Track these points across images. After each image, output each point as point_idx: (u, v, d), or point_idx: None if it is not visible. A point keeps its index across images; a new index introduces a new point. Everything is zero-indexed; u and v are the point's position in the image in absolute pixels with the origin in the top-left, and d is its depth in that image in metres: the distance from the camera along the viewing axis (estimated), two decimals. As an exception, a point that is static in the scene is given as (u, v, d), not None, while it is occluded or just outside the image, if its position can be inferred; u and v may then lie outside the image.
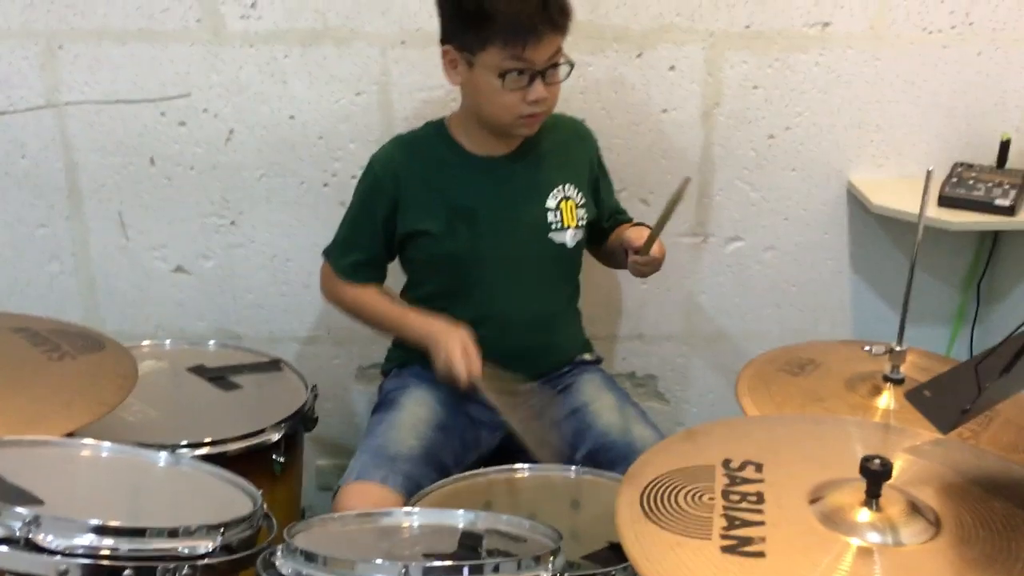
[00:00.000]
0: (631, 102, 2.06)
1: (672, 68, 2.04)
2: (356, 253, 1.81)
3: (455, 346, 1.67)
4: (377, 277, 1.84)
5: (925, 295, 2.22)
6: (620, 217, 1.97)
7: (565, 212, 1.79)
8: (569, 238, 1.80)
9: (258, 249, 2.12)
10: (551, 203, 1.79)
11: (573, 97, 2.04)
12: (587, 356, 1.93)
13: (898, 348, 1.46)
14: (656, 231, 1.69)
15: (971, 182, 1.99)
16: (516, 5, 1.57)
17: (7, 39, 1.94)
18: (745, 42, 2.02)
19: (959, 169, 2.04)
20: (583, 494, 1.60)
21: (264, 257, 2.13)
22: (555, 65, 1.66)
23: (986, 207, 1.95)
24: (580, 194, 1.82)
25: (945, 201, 1.97)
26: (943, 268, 2.21)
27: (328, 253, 1.86)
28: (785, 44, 2.02)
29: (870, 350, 1.49)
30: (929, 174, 1.35)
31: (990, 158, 2.07)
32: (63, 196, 2.06)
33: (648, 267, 1.76)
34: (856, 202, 2.12)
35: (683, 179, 1.62)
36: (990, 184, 1.97)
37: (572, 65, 1.69)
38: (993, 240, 2.17)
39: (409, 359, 1.87)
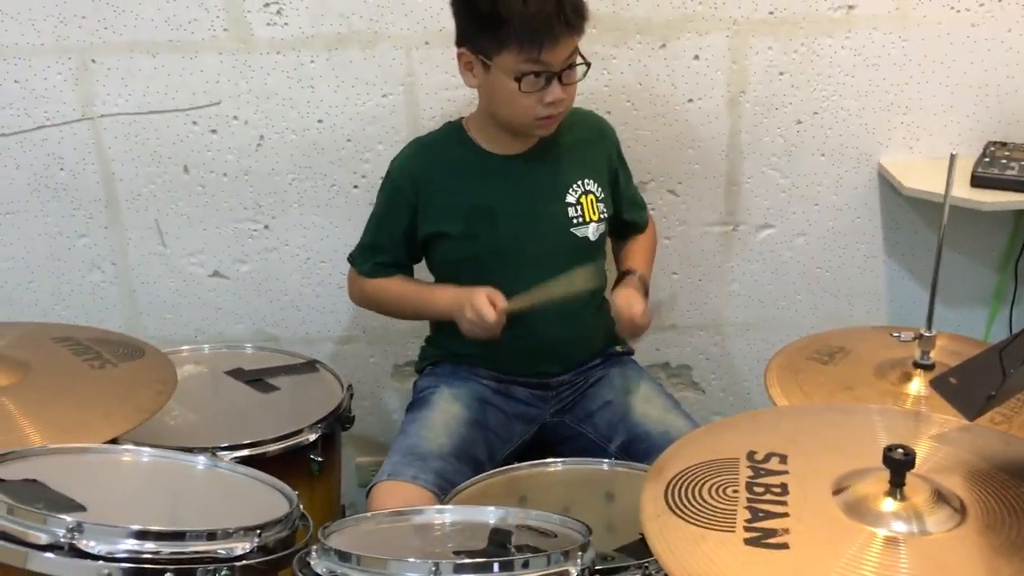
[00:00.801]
0: (656, 93, 2.06)
1: (696, 57, 2.03)
2: (378, 256, 1.84)
3: (479, 295, 1.67)
4: (400, 273, 1.86)
5: (961, 277, 2.20)
6: (639, 215, 1.96)
7: (586, 207, 1.80)
8: (592, 232, 1.80)
9: (292, 252, 2.16)
10: (571, 198, 1.79)
11: (598, 91, 2.04)
12: (618, 348, 1.94)
13: (927, 333, 1.45)
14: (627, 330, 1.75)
15: (1004, 161, 1.96)
16: (531, 8, 1.57)
17: (42, 55, 1.99)
18: (769, 28, 2.01)
19: (991, 148, 2.01)
20: (617, 486, 1.61)
21: (298, 260, 2.17)
22: (571, 66, 1.66)
23: (1020, 186, 1.92)
24: (600, 188, 1.82)
25: (978, 181, 1.94)
26: (979, 249, 2.18)
27: (352, 258, 1.89)
28: (810, 29, 2.01)
29: (899, 336, 1.48)
30: (953, 158, 1.34)
31: (1023, 136, 2.04)
32: (101, 206, 2.11)
33: (628, 331, 1.80)
34: (887, 185, 2.10)
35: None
36: (1023, 163, 1.94)
37: (588, 65, 1.69)
38: (1029, 219, 2.14)
39: (442, 357, 1.89)
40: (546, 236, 1.78)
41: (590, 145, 1.86)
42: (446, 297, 1.77)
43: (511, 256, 1.77)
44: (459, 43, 1.69)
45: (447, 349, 1.88)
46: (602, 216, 1.82)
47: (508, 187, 1.78)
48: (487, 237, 1.77)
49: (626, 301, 1.76)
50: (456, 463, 1.64)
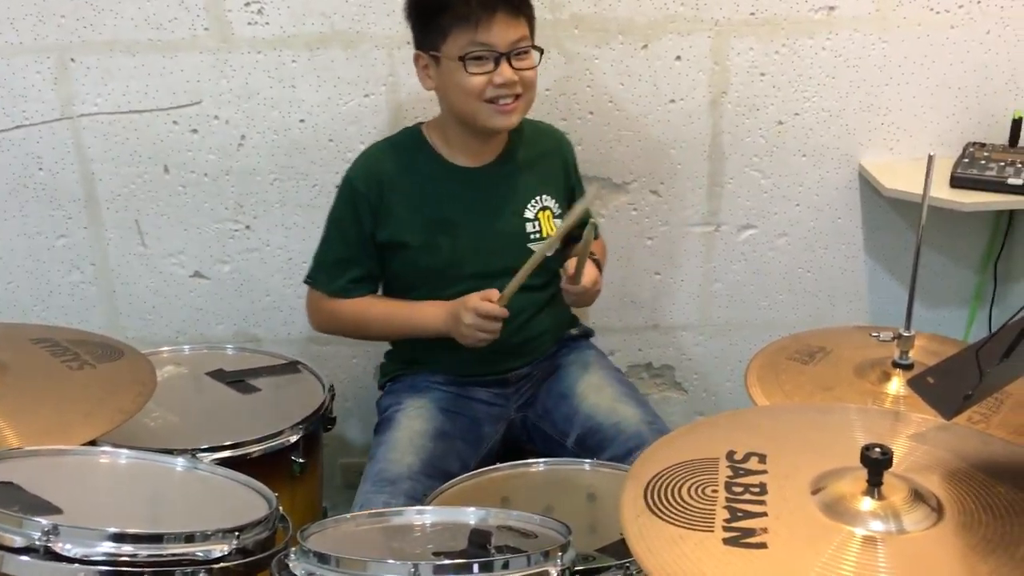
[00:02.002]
0: (638, 93, 2.06)
1: (678, 58, 2.04)
2: (353, 270, 1.79)
3: (473, 299, 1.66)
4: (372, 291, 1.83)
5: (941, 278, 2.21)
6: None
7: (543, 222, 1.80)
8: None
9: (273, 252, 2.15)
10: (529, 214, 1.80)
11: (580, 91, 2.05)
12: (574, 331, 1.93)
13: (906, 333, 1.46)
14: (580, 263, 1.70)
15: (983, 162, 1.97)
16: None
17: (20, 54, 1.98)
18: (751, 29, 2.01)
19: (971, 149, 2.02)
20: (599, 487, 1.61)
21: (280, 260, 2.16)
22: (523, 52, 1.66)
23: (999, 186, 1.93)
24: (557, 204, 1.83)
25: (957, 182, 1.96)
26: (958, 250, 2.20)
27: (313, 278, 1.82)
28: (791, 30, 2.01)
29: (878, 336, 1.49)
30: (931, 158, 1.35)
31: (1002, 137, 2.05)
32: (80, 206, 2.10)
33: (579, 298, 1.77)
34: (868, 186, 2.11)
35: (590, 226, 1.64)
36: (1002, 163, 1.95)
37: (541, 51, 1.70)
38: (1009, 219, 2.15)
39: (399, 371, 1.88)
40: (504, 250, 1.77)
41: (548, 159, 1.86)
42: (436, 311, 1.74)
43: (468, 270, 1.76)
44: (415, 47, 1.72)
45: (405, 359, 1.87)
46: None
47: (469, 200, 1.77)
48: (447, 250, 1.76)
49: (572, 263, 1.75)
50: (427, 480, 1.62)
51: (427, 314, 1.76)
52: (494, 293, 1.68)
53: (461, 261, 1.76)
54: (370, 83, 2.03)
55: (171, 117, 2.04)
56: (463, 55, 1.63)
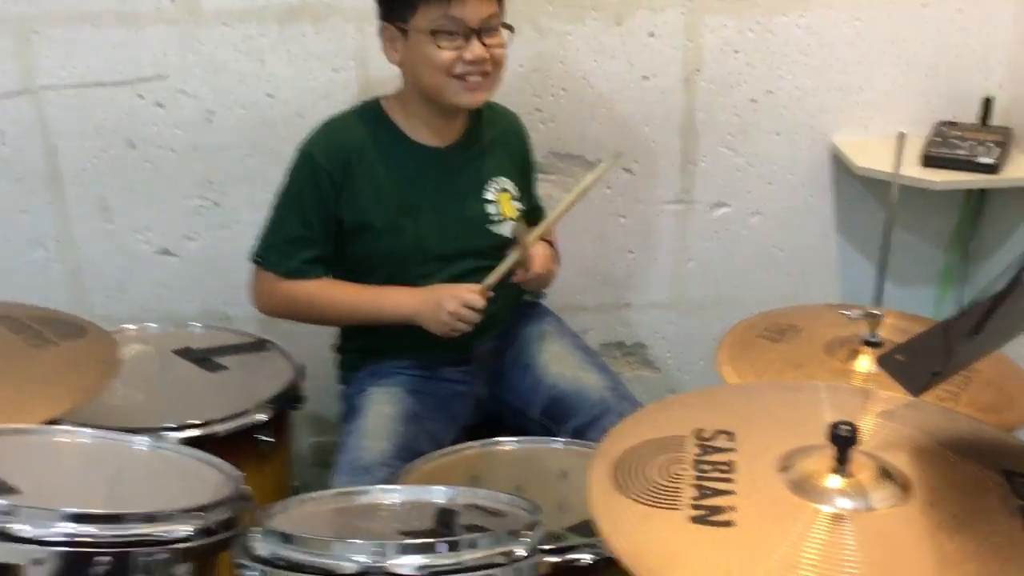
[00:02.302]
0: (611, 71, 2.05)
1: (652, 35, 2.02)
2: (308, 249, 1.72)
3: (455, 289, 1.66)
4: (327, 273, 1.76)
5: (911, 256, 2.22)
6: (535, 216, 1.92)
7: (503, 204, 1.79)
8: (508, 230, 1.78)
9: (243, 230, 2.11)
10: (489, 195, 1.78)
11: (553, 67, 2.03)
12: (526, 296, 1.92)
13: (875, 312, 1.46)
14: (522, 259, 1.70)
15: (954, 141, 1.97)
16: None
17: (-20, 26, 1.93)
18: (724, 6, 2.00)
19: (942, 128, 2.02)
20: (571, 465, 1.61)
21: (249, 237, 2.09)
22: (493, 29, 1.64)
23: (970, 165, 1.94)
24: (515, 187, 1.82)
25: (929, 161, 1.96)
26: (929, 228, 2.21)
27: (263, 257, 1.75)
28: (765, 7, 2.00)
29: (848, 314, 1.49)
30: (902, 136, 1.34)
31: (973, 116, 2.06)
32: (44, 182, 2.05)
33: (536, 284, 1.77)
34: (841, 164, 2.11)
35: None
36: (973, 142, 1.96)
37: (512, 29, 1.68)
38: (979, 199, 2.16)
39: (360, 360, 1.85)
40: (466, 233, 1.76)
41: (507, 142, 1.85)
42: (406, 297, 1.71)
43: (430, 253, 1.74)
44: (380, 19, 1.68)
45: (364, 348, 1.84)
46: (518, 213, 1.81)
47: (434, 182, 1.74)
48: (411, 233, 1.72)
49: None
50: (402, 464, 1.60)
51: (396, 300, 1.72)
52: (471, 285, 1.68)
53: (424, 244, 1.74)
54: (340, 57, 2.00)
55: (136, 91, 2.00)
56: (434, 29, 1.60)
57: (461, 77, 1.64)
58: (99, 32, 1.95)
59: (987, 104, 2.03)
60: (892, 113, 2.09)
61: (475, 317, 1.67)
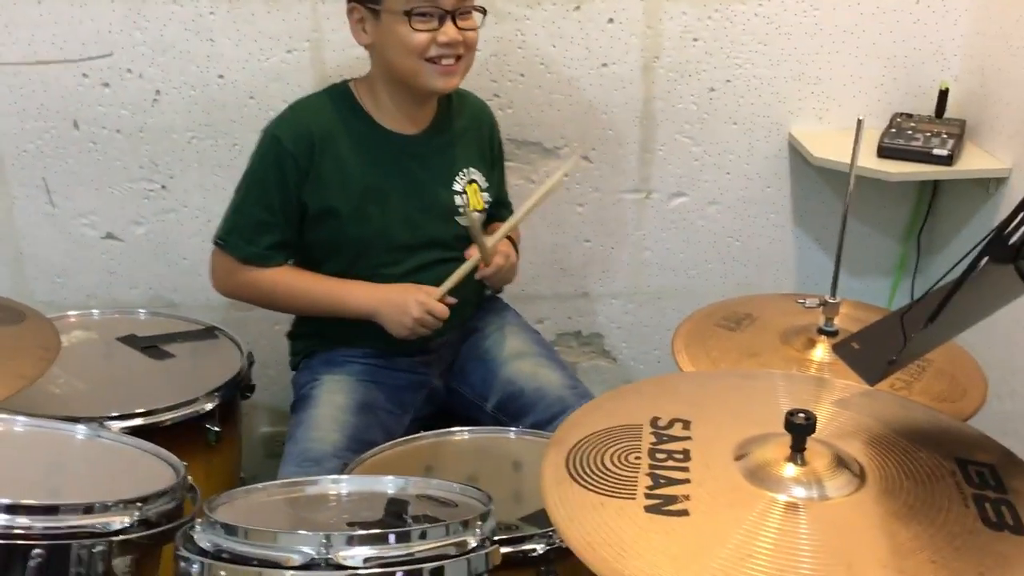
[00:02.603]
0: (570, 56, 2.02)
1: (611, 21, 2.00)
2: (269, 234, 1.68)
3: (419, 294, 1.65)
4: (289, 259, 1.74)
5: (866, 247, 2.23)
6: (503, 212, 1.91)
7: (471, 195, 1.77)
8: (467, 224, 1.75)
9: (191, 214, 2.07)
10: (457, 186, 1.76)
11: (511, 52, 2.00)
12: (487, 291, 1.89)
13: (831, 300, 1.45)
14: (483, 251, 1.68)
15: (910, 132, 1.98)
16: None
17: (-84, -1, 1.86)
18: (684, -8, 1.99)
19: (898, 119, 2.03)
20: (525, 455, 1.59)
21: (198, 222, 2.08)
22: (467, 11, 1.62)
23: (925, 157, 1.94)
24: (483, 177, 1.79)
25: (884, 152, 1.96)
26: (884, 219, 2.22)
27: (225, 241, 1.70)
28: (724, -6, 1.99)
29: (804, 303, 1.48)
30: (860, 123, 1.34)
31: (929, 108, 2.06)
32: (-17, 163, 1.99)
33: (498, 278, 1.75)
34: (797, 155, 2.11)
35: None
36: (928, 134, 1.96)
37: (484, 12, 1.65)
38: (933, 190, 2.17)
39: (313, 347, 1.82)
40: (432, 223, 1.73)
41: (476, 131, 1.82)
42: (364, 297, 1.68)
43: (395, 241, 1.71)
44: (348, 0, 1.63)
45: (317, 335, 1.80)
46: (485, 205, 1.79)
47: (401, 170, 1.71)
48: (376, 220, 1.69)
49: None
50: (354, 456, 1.56)
51: (357, 297, 1.69)
52: (434, 290, 1.66)
53: (389, 232, 1.70)
54: (293, 38, 1.95)
55: (81, 69, 1.94)
56: (408, 10, 1.56)
57: (434, 60, 1.61)
58: (42, 8, 1.88)
59: (943, 96, 2.03)
60: (849, 104, 2.09)
61: (437, 324, 1.66)
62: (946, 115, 2.04)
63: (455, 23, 1.59)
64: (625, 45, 2.02)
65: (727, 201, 2.17)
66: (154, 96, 1.96)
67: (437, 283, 1.70)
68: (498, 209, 1.90)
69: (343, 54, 1.96)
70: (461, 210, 1.74)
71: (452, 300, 1.68)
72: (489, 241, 1.69)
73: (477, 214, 1.71)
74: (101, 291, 2.11)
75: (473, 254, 1.70)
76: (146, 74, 1.95)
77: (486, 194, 1.79)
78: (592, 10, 1.99)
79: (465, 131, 1.79)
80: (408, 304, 1.64)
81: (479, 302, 1.88)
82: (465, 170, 1.77)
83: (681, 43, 2.03)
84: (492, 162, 1.85)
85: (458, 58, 1.63)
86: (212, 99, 1.98)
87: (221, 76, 1.96)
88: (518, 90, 2.03)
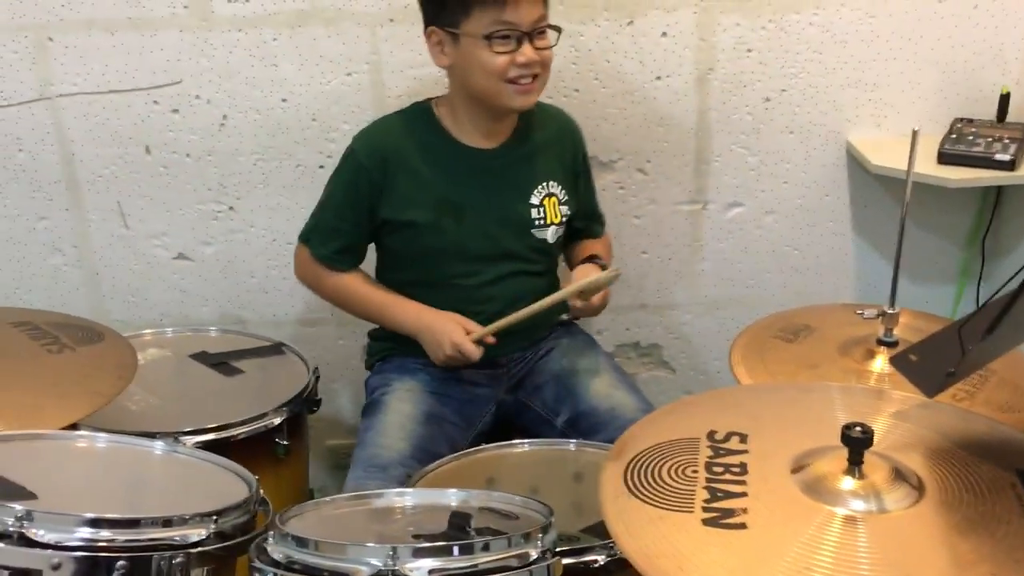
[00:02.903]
0: (624, 70, 2.04)
1: (664, 34, 2.01)
2: (339, 240, 1.78)
3: (456, 330, 1.68)
4: (357, 263, 1.83)
5: (929, 254, 2.20)
6: (593, 226, 1.95)
7: (548, 209, 1.79)
8: (550, 235, 1.80)
9: (258, 233, 2.13)
10: (535, 200, 1.78)
11: (566, 68, 2.02)
12: (565, 316, 1.92)
13: (890, 311, 1.45)
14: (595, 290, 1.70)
15: (971, 138, 1.96)
16: None
17: (-3, 34, 1.95)
18: (736, 4, 1.99)
19: (958, 125, 2.01)
20: (585, 467, 1.61)
21: (264, 241, 2.14)
22: (542, 30, 1.65)
23: (986, 162, 1.92)
24: (563, 190, 1.82)
25: (944, 158, 1.94)
26: (946, 226, 2.19)
27: (306, 239, 1.82)
28: (777, 5, 1.99)
29: (863, 314, 1.48)
30: (915, 133, 1.33)
31: (990, 112, 2.04)
32: (61, 188, 2.07)
33: (584, 311, 1.76)
34: (855, 163, 2.10)
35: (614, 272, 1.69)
36: (990, 139, 1.94)
37: (559, 31, 1.68)
38: (996, 195, 2.14)
39: (389, 350, 1.87)
40: (508, 236, 1.77)
41: (558, 145, 1.84)
42: (410, 318, 1.75)
43: (470, 253, 1.76)
44: (427, 23, 1.68)
45: (394, 340, 1.85)
46: (563, 219, 1.81)
47: (478, 183, 1.75)
48: (452, 232, 1.74)
49: (584, 272, 1.77)
50: (418, 465, 1.61)
51: (403, 315, 1.77)
52: (471, 324, 1.70)
53: (465, 243, 1.75)
54: (352, 61, 2.00)
55: (151, 97, 2.01)
56: (488, 34, 1.60)
57: (514, 80, 1.64)
58: (114, 39, 1.96)
59: (1004, 100, 2.01)
60: (907, 111, 2.08)
61: (466, 363, 1.70)
62: (1008, 119, 2.01)
63: (532, 43, 1.63)
64: (679, 58, 2.03)
65: (784, 210, 2.17)
66: (221, 121, 2.03)
67: (513, 297, 1.75)
68: (590, 222, 1.94)
69: (401, 75, 2.01)
70: (537, 223, 1.78)
71: (493, 340, 1.71)
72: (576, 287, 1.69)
73: (612, 273, 1.70)
74: (173, 309, 2.18)
75: (546, 302, 1.70)
76: (213, 100, 2.01)
77: (565, 207, 1.81)
78: (645, 24, 2.00)
79: (545, 145, 1.82)
80: (443, 338, 1.70)
81: (553, 322, 1.91)
82: (544, 184, 1.79)
83: (735, 54, 2.03)
84: (576, 176, 1.87)
85: (535, 76, 1.66)
86: (276, 122, 2.04)
87: (284, 100, 2.02)
88: (573, 105, 2.05)
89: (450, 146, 1.75)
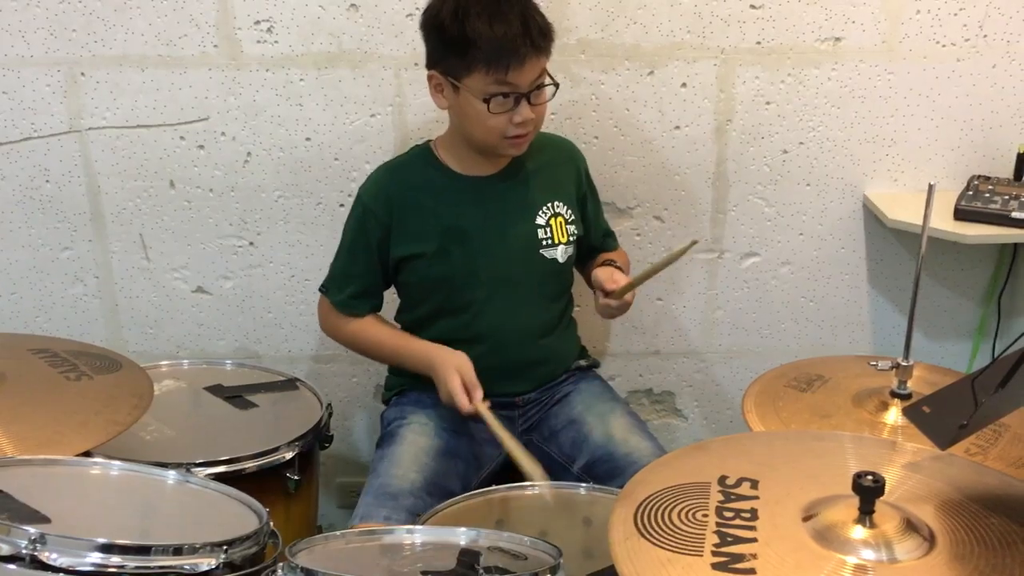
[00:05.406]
0: (643, 119, 2.07)
1: (684, 85, 2.04)
2: (353, 284, 1.82)
3: (454, 378, 1.68)
4: (374, 306, 1.85)
5: (945, 310, 2.20)
6: (608, 241, 1.98)
7: (555, 229, 1.81)
8: (560, 254, 1.82)
9: (276, 269, 2.16)
10: (541, 220, 1.81)
11: (586, 115, 2.05)
12: (583, 362, 1.94)
13: (904, 363, 1.45)
14: (638, 281, 1.74)
15: (987, 195, 1.97)
16: (498, 30, 1.58)
17: (31, 66, 2.00)
18: (756, 58, 2.02)
19: (975, 182, 2.02)
20: (595, 511, 1.60)
21: (282, 277, 2.16)
22: (540, 86, 1.67)
23: (1003, 220, 1.93)
24: (569, 211, 1.84)
25: (961, 214, 1.95)
26: (963, 282, 2.19)
27: (325, 288, 1.86)
28: (797, 59, 2.02)
29: (876, 365, 1.48)
30: (931, 188, 1.35)
31: (1007, 171, 2.05)
32: (86, 219, 2.11)
33: (617, 310, 1.78)
34: (872, 216, 2.11)
35: (690, 241, 1.68)
36: (1007, 196, 1.95)
37: (557, 85, 1.71)
38: (1013, 253, 2.14)
39: (407, 385, 1.88)
40: (516, 257, 1.79)
41: (558, 167, 1.87)
42: (419, 356, 1.77)
43: (480, 276, 1.78)
44: (429, 66, 1.71)
45: (411, 376, 1.86)
46: (571, 238, 1.83)
47: (479, 208, 1.78)
48: (459, 258, 1.77)
49: (609, 275, 1.77)
50: (428, 498, 1.62)
51: (412, 355, 1.79)
52: (473, 384, 1.68)
53: (474, 268, 1.77)
54: (377, 103, 2.04)
55: (178, 132, 2.05)
56: (487, 96, 1.63)
57: (508, 136, 1.68)
58: (144, 75, 2.01)
59: (1021, 159, 2.02)
60: (924, 166, 2.09)
61: (459, 410, 1.69)
62: (1025, 178, 2.02)
63: (530, 102, 1.65)
64: (698, 108, 2.06)
65: (800, 262, 2.17)
66: (245, 157, 2.07)
67: (531, 320, 1.81)
68: (604, 239, 1.97)
69: (423, 117, 2.04)
70: (545, 243, 1.80)
71: (487, 402, 1.68)
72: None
73: (688, 243, 1.70)
74: (190, 342, 2.20)
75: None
76: (239, 137, 2.05)
77: (572, 227, 1.83)
78: (665, 75, 2.03)
79: (544, 168, 1.84)
80: (441, 383, 1.71)
81: (570, 368, 1.92)
82: (549, 204, 1.82)
83: (754, 106, 2.06)
84: (582, 196, 1.89)
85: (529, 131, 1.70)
86: (299, 160, 2.07)
87: (308, 139, 2.06)
88: (592, 152, 2.07)
89: (451, 178, 1.79)
